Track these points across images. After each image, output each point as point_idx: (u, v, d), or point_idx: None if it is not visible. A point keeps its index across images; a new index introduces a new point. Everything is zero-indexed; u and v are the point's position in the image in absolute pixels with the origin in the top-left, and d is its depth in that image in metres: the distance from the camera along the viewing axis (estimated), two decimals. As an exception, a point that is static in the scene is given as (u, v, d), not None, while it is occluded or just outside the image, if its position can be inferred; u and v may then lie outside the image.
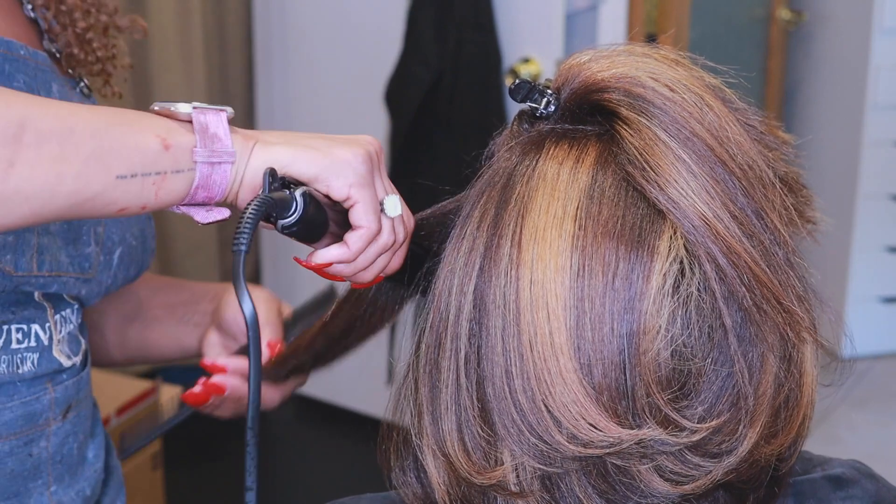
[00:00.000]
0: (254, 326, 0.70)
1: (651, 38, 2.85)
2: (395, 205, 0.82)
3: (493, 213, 0.72)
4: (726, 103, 0.73)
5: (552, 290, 0.68)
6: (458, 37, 2.59)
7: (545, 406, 0.68)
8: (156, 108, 0.77)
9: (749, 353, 0.69)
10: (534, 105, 0.76)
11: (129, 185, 0.73)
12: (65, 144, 0.70)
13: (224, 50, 3.33)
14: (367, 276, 0.83)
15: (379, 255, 0.82)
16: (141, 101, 3.15)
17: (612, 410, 0.68)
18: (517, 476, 0.70)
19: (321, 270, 0.81)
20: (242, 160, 0.77)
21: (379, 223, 0.81)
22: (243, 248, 0.72)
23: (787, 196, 0.73)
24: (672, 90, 0.71)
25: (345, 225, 0.82)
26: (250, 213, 0.73)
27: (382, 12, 2.83)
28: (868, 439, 3.18)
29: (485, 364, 0.70)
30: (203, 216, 0.78)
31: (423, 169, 2.64)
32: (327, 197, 0.80)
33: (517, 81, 0.76)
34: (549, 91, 0.76)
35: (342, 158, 0.79)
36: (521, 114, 0.79)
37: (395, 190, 0.83)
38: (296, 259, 0.82)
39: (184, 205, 0.77)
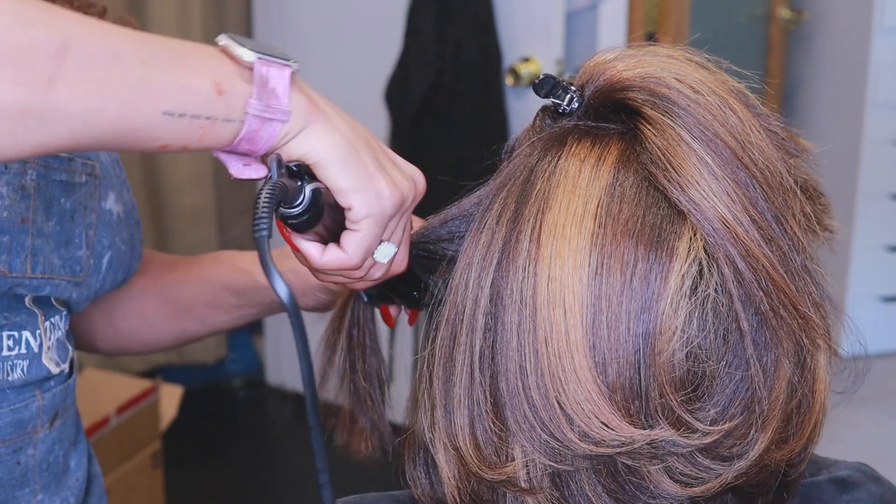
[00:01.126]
0: (295, 312, 0.68)
1: (651, 37, 2.85)
2: (386, 253, 0.80)
3: (513, 208, 0.72)
4: (749, 108, 0.73)
5: (570, 287, 0.68)
6: (458, 36, 2.59)
7: (558, 403, 0.68)
8: (220, 42, 0.73)
9: (764, 358, 0.69)
10: (557, 101, 0.76)
11: (176, 124, 0.70)
12: (111, 69, 0.66)
13: (224, 49, 3.33)
14: (367, 280, 0.82)
15: (339, 277, 0.81)
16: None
17: (625, 410, 0.68)
18: (527, 472, 0.70)
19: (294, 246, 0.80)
20: (298, 123, 0.74)
21: (361, 261, 0.79)
22: (265, 233, 0.69)
23: (805, 203, 0.73)
24: (696, 92, 0.70)
25: (336, 230, 0.80)
26: (265, 198, 0.70)
27: (382, 11, 2.83)
28: (868, 438, 3.18)
29: (499, 359, 0.70)
30: (239, 170, 0.75)
31: (423, 168, 2.64)
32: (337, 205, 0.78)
33: (542, 76, 0.76)
34: (573, 88, 0.75)
35: (379, 190, 0.77)
36: (544, 109, 0.79)
37: (403, 240, 0.82)
38: (280, 225, 0.78)
39: (224, 151, 0.74)
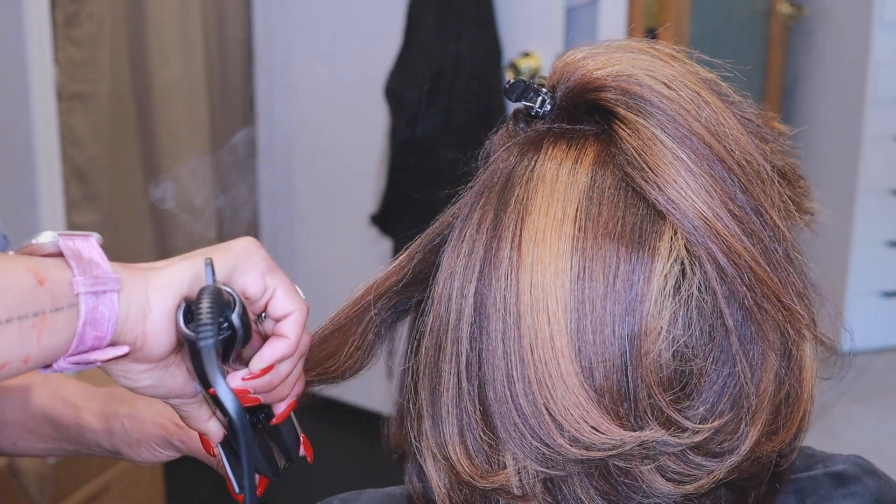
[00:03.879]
0: (243, 425, 0.65)
1: (651, 33, 2.85)
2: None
3: (492, 216, 0.71)
4: (722, 98, 0.72)
5: (552, 292, 0.68)
6: (458, 31, 2.59)
7: (547, 409, 0.68)
8: (12, 252, 0.66)
9: (750, 352, 0.69)
10: (529, 104, 0.75)
11: (7, 333, 0.60)
12: None
13: (224, 45, 3.32)
14: (286, 390, 0.75)
15: (300, 360, 0.75)
16: (141, 97, 3.14)
17: (614, 413, 0.68)
18: (520, 479, 0.70)
19: (242, 393, 0.72)
20: (137, 288, 0.66)
21: (305, 303, 0.74)
22: (212, 341, 0.65)
23: (784, 189, 0.72)
24: (669, 88, 0.70)
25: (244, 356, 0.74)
26: (208, 304, 0.65)
27: (383, 6, 2.83)
28: (868, 434, 3.18)
29: (486, 368, 0.69)
30: (99, 354, 0.66)
31: (422, 164, 2.64)
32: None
33: (511, 81, 0.75)
34: (545, 90, 0.75)
35: (243, 249, 0.71)
36: (517, 113, 0.78)
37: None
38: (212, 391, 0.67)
39: (72, 355, 0.65)
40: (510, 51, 2.61)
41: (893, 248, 3.58)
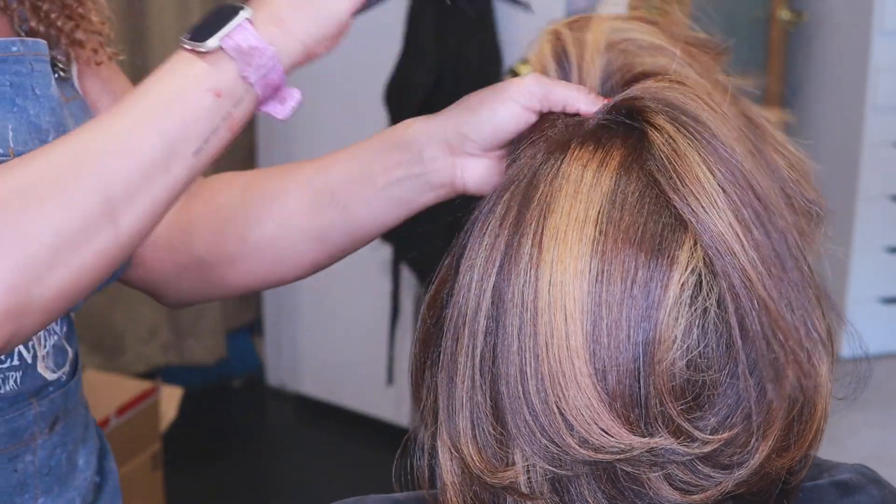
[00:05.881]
0: None
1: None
2: None
3: (515, 212, 0.72)
4: (759, 128, 0.73)
5: (570, 292, 0.68)
6: (458, 37, 2.59)
7: (558, 409, 0.68)
8: (186, 46, 0.77)
9: None
10: None
11: (207, 146, 0.76)
12: (146, 176, 0.73)
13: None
14: None
15: None
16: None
17: (625, 417, 0.68)
18: (528, 478, 0.70)
19: None
20: (288, 41, 0.78)
21: None
22: None
23: (807, 226, 0.73)
24: (708, 105, 0.71)
25: None
26: None
27: (382, 12, 2.83)
28: (868, 441, 3.18)
29: (500, 363, 0.70)
30: (280, 111, 0.82)
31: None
32: None
33: None
34: None
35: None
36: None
37: None
38: None
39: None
40: (511, 57, 2.62)
41: (893, 255, 3.58)
